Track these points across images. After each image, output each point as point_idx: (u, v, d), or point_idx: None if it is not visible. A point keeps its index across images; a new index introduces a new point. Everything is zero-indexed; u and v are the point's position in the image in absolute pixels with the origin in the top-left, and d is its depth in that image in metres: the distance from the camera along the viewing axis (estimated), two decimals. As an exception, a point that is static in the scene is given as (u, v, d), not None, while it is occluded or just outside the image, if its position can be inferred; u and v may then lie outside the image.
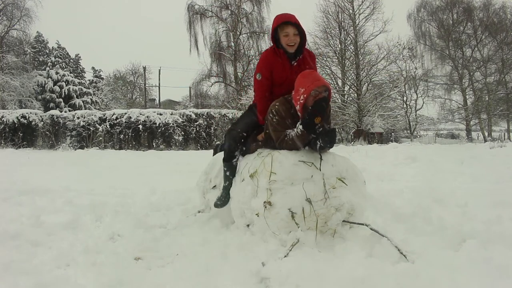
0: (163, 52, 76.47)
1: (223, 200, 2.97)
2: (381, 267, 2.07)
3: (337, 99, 24.19)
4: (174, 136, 16.61)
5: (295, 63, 2.83)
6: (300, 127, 2.54)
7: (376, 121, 22.85)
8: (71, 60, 32.00)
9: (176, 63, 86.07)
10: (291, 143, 2.60)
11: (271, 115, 2.69)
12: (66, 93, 26.64)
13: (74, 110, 21.30)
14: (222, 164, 2.99)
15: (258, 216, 2.55)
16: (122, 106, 31.68)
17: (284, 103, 2.69)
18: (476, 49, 26.96)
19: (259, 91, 2.86)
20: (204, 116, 16.99)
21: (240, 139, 2.92)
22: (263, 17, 27.03)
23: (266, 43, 27.29)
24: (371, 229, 2.45)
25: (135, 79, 40.69)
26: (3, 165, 8.23)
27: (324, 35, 25.01)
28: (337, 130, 23.23)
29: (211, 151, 3.79)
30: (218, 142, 3.91)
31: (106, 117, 16.69)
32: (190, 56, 28.22)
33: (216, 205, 3.01)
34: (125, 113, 16.73)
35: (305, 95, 2.51)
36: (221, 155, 3.37)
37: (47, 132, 16.84)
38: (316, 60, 2.85)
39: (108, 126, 16.47)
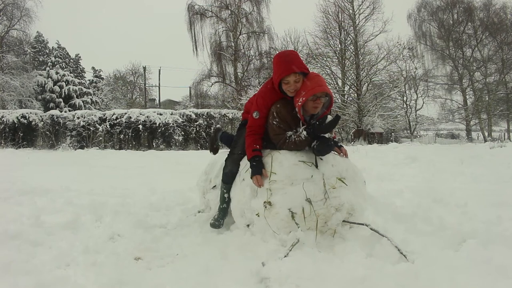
0: (163, 52, 76.57)
1: (220, 221, 2.95)
2: (381, 267, 2.07)
3: (337, 99, 24.18)
4: (174, 136, 16.61)
5: None
6: (304, 133, 2.56)
7: (376, 121, 22.84)
8: (71, 60, 32.02)
9: (176, 63, 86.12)
10: (293, 146, 2.62)
11: (271, 117, 2.69)
12: (66, 93, 26.65)
13: (74, 110, 21.30)
14: (221, 184, 2.95)
15: (258, 216, 2.55)
16: (122, 106, 31.71)
17: (285, 105, 2.69)
18: (476, 49, 26.97)
19: (253, 128, 2.78)
20: (204, 116, 17.00)
21: (240, 160, 2.92)
22: (262, 17, 27.13)
23: (266, 43, 27.41)
24: (371, 229, 2.45)
25: (135, 79, 40.71)
26: (3, 165, 8.23)
27: (324, 35, 25.01)
28: (337, 130, 23.16)
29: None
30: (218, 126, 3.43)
31: (106, 117, 16.69)
32: (193, 56, 28.28)
33: (213, 226, 2.96)
34: (125, 113, 16.73)
35: (303, 98, 2.52)
36: (221, 155, 3.36)
37: (47, 132, 16.84)
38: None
39: (108, 126, 16.47)
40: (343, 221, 2.54)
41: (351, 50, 24.78)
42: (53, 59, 28.19)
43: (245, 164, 2.83)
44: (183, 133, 16.81)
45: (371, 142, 20.35)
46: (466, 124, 27.73)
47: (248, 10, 27.06)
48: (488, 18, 26.55)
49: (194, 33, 26.92)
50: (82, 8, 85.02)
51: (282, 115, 2.66)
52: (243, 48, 27.37)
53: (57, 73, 26.87)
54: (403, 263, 2.12)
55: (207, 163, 3.58)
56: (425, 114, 29.04)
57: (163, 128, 16.35)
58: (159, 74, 37.23)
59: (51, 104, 25.90)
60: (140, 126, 16.23)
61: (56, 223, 3.08)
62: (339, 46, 25.03)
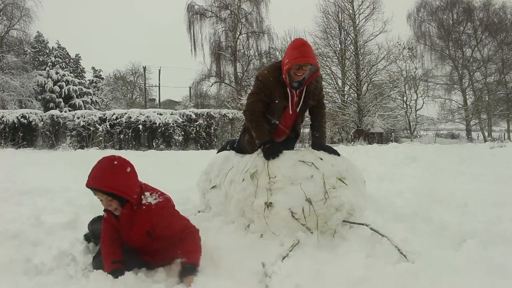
0: (163, 52, 76.47)
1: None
2: (381, 267, 2.07)
3: (337, 99, 24.18)
4: (174, 136, 16.60)
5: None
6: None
7: (376, 121, 22.82)
8: (71, 60, 32.01)
9: (176, 63, 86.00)
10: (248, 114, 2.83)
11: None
12: (66, 93, 26.65)
13: (74, 110, 21.29)
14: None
15: (258, 216, 2.55)
16: (122, 106, 31.66)
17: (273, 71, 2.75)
18: (476, 49, 26.94)
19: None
20: (204, 116, 16.99)
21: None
22: (262, 17, 27.16)
23: (265, 43, 27.43)
24: (371, 229, 2.45)
25: (135, 79, 40.66)
26: (3, 165, 8.23)
27: (324, 35, 25.01)
28: (337, 130, 23.03)
29: (212, 151, 3.64)
30: (232, 138, 3.69)
31: (106, 117, 16.68)
32: (191, 56, 28.23)
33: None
34: (125, 113, 16.72)
35: (287, 66, 2.58)
36: (220, 155, 3.36)
37: (47, 132, 16.82)
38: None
39: (108, 126, 16.46)
40: (343, 221, 2.54)
41: (351, 50, 24.77)
42: (53, 59, 28.18)
43: (245, 163, 2.83)
44: (183, 133, 16.80)
45: (371, 142, 20.34)
46: (466, 124, 27.70)
47: (248, 10, 27.07)
48: (488, 18, 26.53)
49: (193, 33, 26.95)
50: (82, 8, 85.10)
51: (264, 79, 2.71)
52: (243, 48, 27.39)
53: (57, 73, 26.87)
54: (403, 263, 2.12)
55: (207, 163, 3.58)
56: (425, 114, 29.02)
57: (163, 128, 16.33)
58: (159, 74, 37.15)
59: (51, 104, 25.90)
60: (140, 126, 16.21)
61: (56, 223, 3.07)
62: (339, 46, 25.02)
